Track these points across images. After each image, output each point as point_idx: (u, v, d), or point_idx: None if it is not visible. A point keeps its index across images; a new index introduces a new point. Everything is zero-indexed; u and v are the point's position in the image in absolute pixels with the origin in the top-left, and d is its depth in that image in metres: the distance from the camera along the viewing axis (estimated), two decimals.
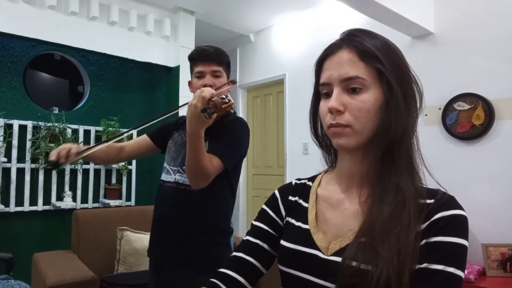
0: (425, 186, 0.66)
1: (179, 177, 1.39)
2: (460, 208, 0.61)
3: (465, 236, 0.59)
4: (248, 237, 0.78)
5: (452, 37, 2.74)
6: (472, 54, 2.63)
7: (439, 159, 2.70)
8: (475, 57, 2.62)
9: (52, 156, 1.28)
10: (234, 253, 0.76)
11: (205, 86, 1.36)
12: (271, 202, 0.80)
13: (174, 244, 1.37)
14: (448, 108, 2.70)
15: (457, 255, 0.58)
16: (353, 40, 0.66)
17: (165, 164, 1.47)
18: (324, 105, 0.67)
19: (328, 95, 0.66)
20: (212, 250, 1.37)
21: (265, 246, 0.76)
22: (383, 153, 0.65)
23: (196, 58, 1.43)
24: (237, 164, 1.41)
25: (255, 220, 0.80)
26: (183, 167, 1.38)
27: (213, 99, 1.11)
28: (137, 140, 1.58)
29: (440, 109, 2.74)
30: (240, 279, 0.73)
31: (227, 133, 1.35)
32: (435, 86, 2.79)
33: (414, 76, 0.68)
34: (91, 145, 1.38)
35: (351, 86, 0.64)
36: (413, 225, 0.59)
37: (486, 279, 2.31)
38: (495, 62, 2.53)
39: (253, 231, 0.78)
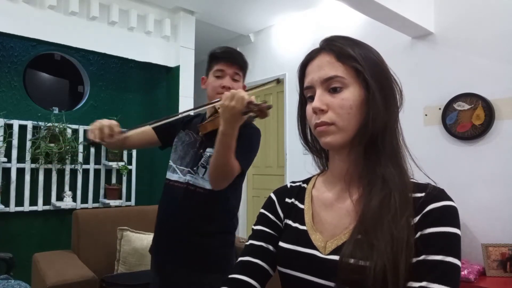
0: (414, 180, 0.68)
1: (190, 177, 1.37)
2: (450, 199, 0.63)
3: (457, 225, 0.61)
4: (251, 241, 0.78)
5: (452, 37, 2.74)
6: (472, 54, 2.63)
7: (439, 159, 2.70)
8: (475, 57, 2.62)
9: (95, 137, 1.24)
10: (240, 258, 0.76)
11: (223, 87, 1.37)
12: (269, 205, 0.81)
13: (181, 246, 1.35)
14: (448, 108, 2.70)
15: (453, 244, 0.59)
16: (331, 44, 0.70)
17: (171, 163, 1.45)
18: (309, 108, 0.70)
19: (312, 98, 0.69)
20: (221, 252, 1.37)
21: (270, 247, 0.76)
22: (366, 149, 0.68)
23: (219, 56, 1.42)
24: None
25: (255, 224, 0.80)
26: (194, 168, 1.37)
27: (255, 103, 1.10)
28: (141, 130, 1.51)
29: (440, 109, 2.74)
30: (253, 282, 0.72)
31: (245, 138, 1.33)
32: (435, 86, 2.79)
33: (393, 75, 0.72)
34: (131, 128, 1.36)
35: (332, 86, 0.67)
36: (400, 214, 0.60)
37: (486, 279, 2.31)
38: (495, 62, 2.53)
39: (255, 234, 0.78)
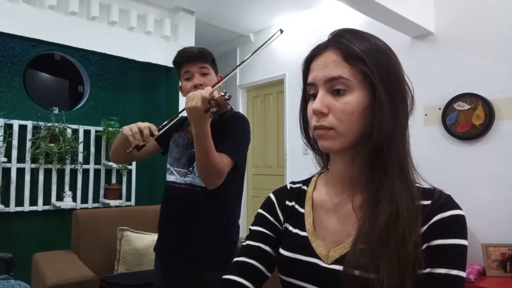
0: (420, 186, 0.65)
1: (189, 179, 1.38)
2: (457, 207, 0.61)
3: (464, 236, 0.60)
4: (248, 242, 0.76)
5: (452, 37, 2.74)
6: (472, 54, 2.63)
7: (439, 159, 2.70)
8: (475, 57, 2.62)
9: (139, 141, 1.22)
10: (236, 259, 0.74)
11: (195, 86, 1.37)
12: (268, 206, 0.79)
13: (185, 245, 1.37)
14: (448, 108, 2.70)
15: (459, 257, 0.58)
16: (339, 41, 0.65)
17: (169, 166, 1.46)
18: (310, 107, 0.67)
19: (315, 96, 0.66)
20: (222, 248, 1.37)
21: (267, 248, 0.74)
22: (371, 157, 0.64)
23: (180, 61, 1.44)
24: (244, 159, 1.42)
25: (252, 225, 0.78)
26: (190, 168, 1.38)
27: (214, 97, 1.10)
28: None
29: (440, 109, 2.74)
30: (246, 283, 0.70)
31: (230, 130, 1.34)
32: (435, 86, 2.79)
33: (405, 77, 0.67)
34: (164, 123, 1.30)
35: (335, 88, 0.63)
36: (408, 236, 0.58)
37: (486, 279, 2.31)
38: (495, 62, 2.53)
39: (253, 235, 0.76)
